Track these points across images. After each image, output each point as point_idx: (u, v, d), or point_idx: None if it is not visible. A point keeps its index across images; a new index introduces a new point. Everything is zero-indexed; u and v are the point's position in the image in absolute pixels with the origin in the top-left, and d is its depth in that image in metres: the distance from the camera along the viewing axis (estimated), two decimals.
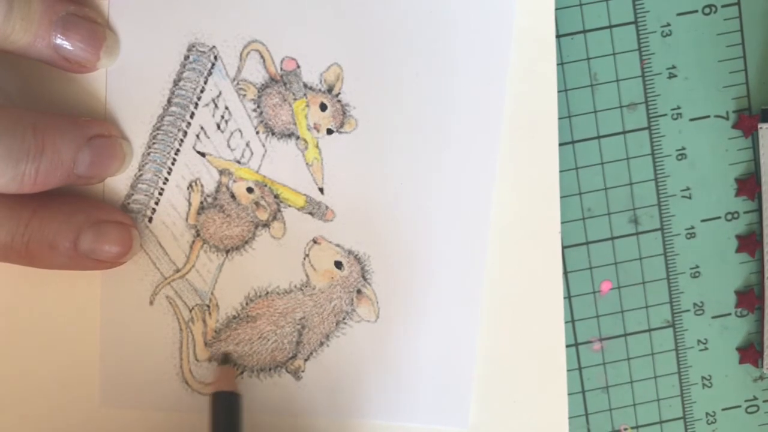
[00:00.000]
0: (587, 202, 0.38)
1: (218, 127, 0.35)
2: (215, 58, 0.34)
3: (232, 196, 0.35)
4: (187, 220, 0.35)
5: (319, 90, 0.35)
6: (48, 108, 0.34)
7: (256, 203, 0.35)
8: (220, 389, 0.35)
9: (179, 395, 0.36)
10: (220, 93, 0.35)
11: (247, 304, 0.36)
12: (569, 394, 0.37)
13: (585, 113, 0.37)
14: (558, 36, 0.37)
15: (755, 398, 0.40)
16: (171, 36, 0.34)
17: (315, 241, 0.36)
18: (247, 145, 0.35)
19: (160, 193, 0.35)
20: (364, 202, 0.35)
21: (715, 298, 0.39)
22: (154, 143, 0.35)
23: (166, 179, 0.35)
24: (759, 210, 0.38)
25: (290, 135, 0.35)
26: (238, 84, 0.35)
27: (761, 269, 0.38)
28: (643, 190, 0.38)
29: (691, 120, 0.38)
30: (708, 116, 0.38)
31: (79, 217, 0.33)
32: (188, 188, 0.35)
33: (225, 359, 0.36)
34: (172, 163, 0.35)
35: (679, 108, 0.37)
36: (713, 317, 0.39)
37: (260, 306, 0.36)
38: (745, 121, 0.37)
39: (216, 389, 0.35)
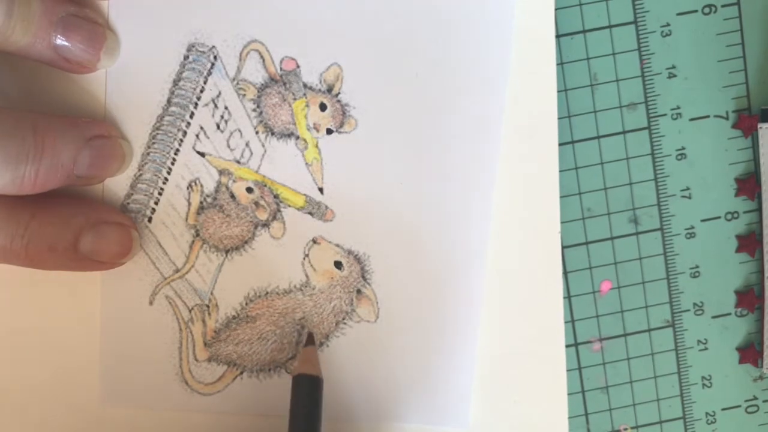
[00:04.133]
0: (587, 202, 0.38)
1: (218, 127, 0.35)
2: (215, 58, 0.34)
3: (232, 196, 0.35)
4: (186, 220, 0.35)
5: (319, 90, 0.35)
6: (48, 109, 0.34)
7: (256, 203, 0.35)
8: (302, 372, 0.34)
9: (179, 395, 0.36)
10: (219, 93, 0.35)
11: (246, 304, 0.36)
12: (569, 394, 0.37)
13: (585, 113, 0.37)
14: (558, 36, 0.37)
15: (755, 398, 0.40)
16: (171, 36, 0.34)
17: (315, 241, 0.36)
18: (247, 145, 0.35)
19: (160, 193, 0.35)
20: (363, 202, 0.35)
21: (714, 297, 0.39)
22: (153, 143, 0.35)
23: (166, 179, 0.35)
24: (759, 210, 0.38)
25: (290, 135, 0.35)
26: (237, 84, 0.35)
27: (761, 269, 0.38)
28: (643, 190, 0.38)
29: (691, 120, 0.38)
30: (708, 116, 0.38)
31: (78, 218, 0.33)
32: (188, 188, 0.35)
33: (310, 339, 0.35)
34: (172, 163, 0.35)
35: (678, 108, 0.37)
36: (713, 317, 0.39)
37: (260, 306, 0.36)
38: (745, 121, 0.37)
39: (299, 371, 0.34)
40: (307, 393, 0.33)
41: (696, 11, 0.37)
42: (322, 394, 0.34)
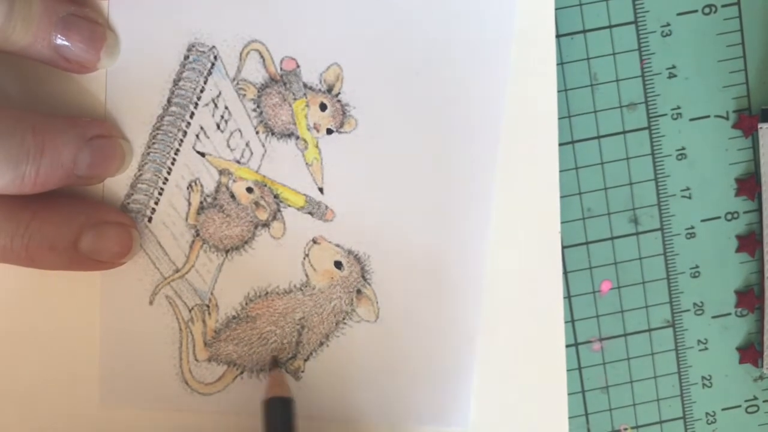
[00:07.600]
0: (587, 202, 0.38)
1: (218, 127, 0.35)
2: (215, 58, 0.34)
3: (232, 196, 0.35)
4: (186, 220, 0.35)
5: (319, 90, 0.35)
6: (48, 108, 0.34)
7: (256, 203, 0.35)
8: (273, 395, 0.33)
9: (179, 395, 0.36)
10: (219, 93, 0.35)
11: (246, 304, 0.36)
12: (569, 394, 0.37)
13: (585, 113, 0.37)
14: (558, 36, 0.37)
15: (755, 398, 0.40)
16: (171, 36, 0.34)
17: (315, 241, 0.36)
18: (247, 145, 0.35)
19: (160, 193, 0.35)
20: (363, 202, 0.35)
21: (715, 297, 0.39)
22: (153, 143, 0.35)
23: (166, 179, 0.35)
24: (759, 210, 0.38)
25: (290, 135, 0.35)
26: (237, 84, 0.35)
27: (761, 269, 0.38)
28: (643, 190, 0.38)
29: (691, 120, 0.38)
30: (708, 116, 0.38)
31: (79, 218, 0.33)
32: (188, 188, 0.35)
33: (274, 363, 0.36)
34: (172, 163, 0.35)
35: (679, 108, 0.37)
36: (713, 317, 0.39)
37: (260, 306, 0.36)
38: (745, 121, 0.37)
39: (269, 395, 0.33)
40: (279, 415, 0.33)
41: (696, 11, 0.37)
42: (295, 414, 0.33)
